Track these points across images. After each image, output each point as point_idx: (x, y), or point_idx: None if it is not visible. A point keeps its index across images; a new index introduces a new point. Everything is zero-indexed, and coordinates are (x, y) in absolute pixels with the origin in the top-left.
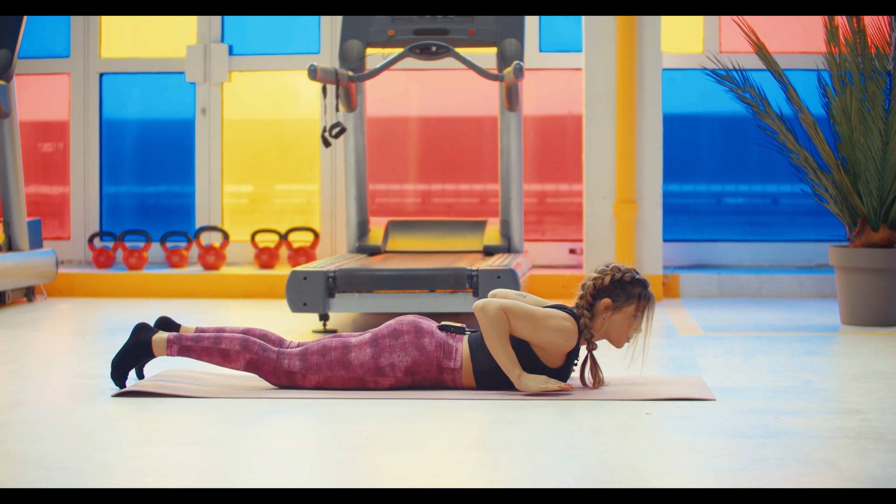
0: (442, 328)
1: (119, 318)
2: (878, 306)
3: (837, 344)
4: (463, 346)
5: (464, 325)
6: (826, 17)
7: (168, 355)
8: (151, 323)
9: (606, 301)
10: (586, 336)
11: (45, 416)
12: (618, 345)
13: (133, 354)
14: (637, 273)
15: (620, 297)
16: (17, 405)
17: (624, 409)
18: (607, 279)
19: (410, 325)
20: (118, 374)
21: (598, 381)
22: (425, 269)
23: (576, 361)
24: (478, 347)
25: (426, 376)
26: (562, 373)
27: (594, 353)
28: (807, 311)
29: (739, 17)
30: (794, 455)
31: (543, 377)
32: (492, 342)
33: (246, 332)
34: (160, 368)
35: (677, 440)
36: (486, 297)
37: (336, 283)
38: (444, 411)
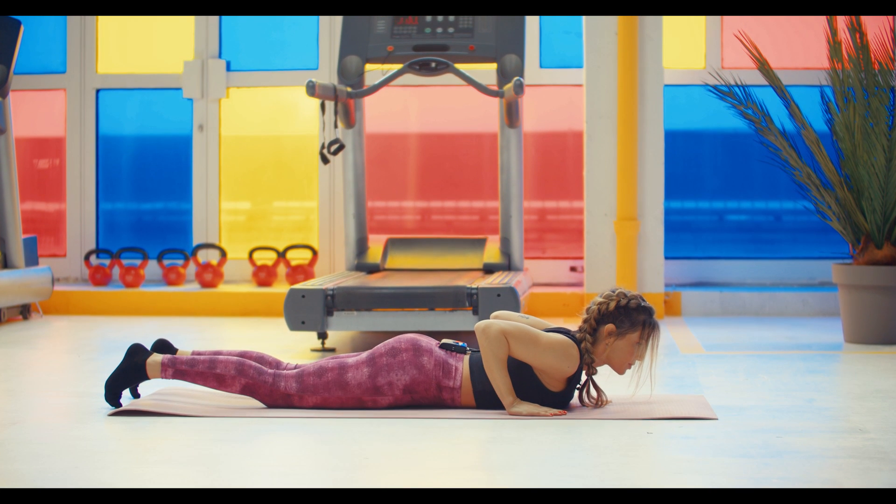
0: (443, 347)
1: (115, 337)
2: (882, 324)
3: (841, 362)
4: (463, 365)
5: (465, 345)
6: (829, 32)
7: (162, 378)
8: (147, 343)
9: (610, 327)
10: (587, 360)
11: (41, 435)
12: (619, 371)
13: (126, 377)
14: (643, 300)
15: (625, 323)
16: (13, 424)
17: (625, 428)
18: (612, 304)
19: (409, 344)
20: (111, 396)
21: (600, 402)
22: (425, 287)
23: (578, 386)
24: (478, 368)
25: (425, 395)
26: (563, 397)
27: (594, 378)
28: (810, 330)
29: (742, 32)
30: (796, 475)
31: (535, 405)
32: (490, 365)
33: (242, 355)
34: (157, 387)
35: (679, 460)
36: (487, 316)
37: (335, 301)
38: (444, 430)
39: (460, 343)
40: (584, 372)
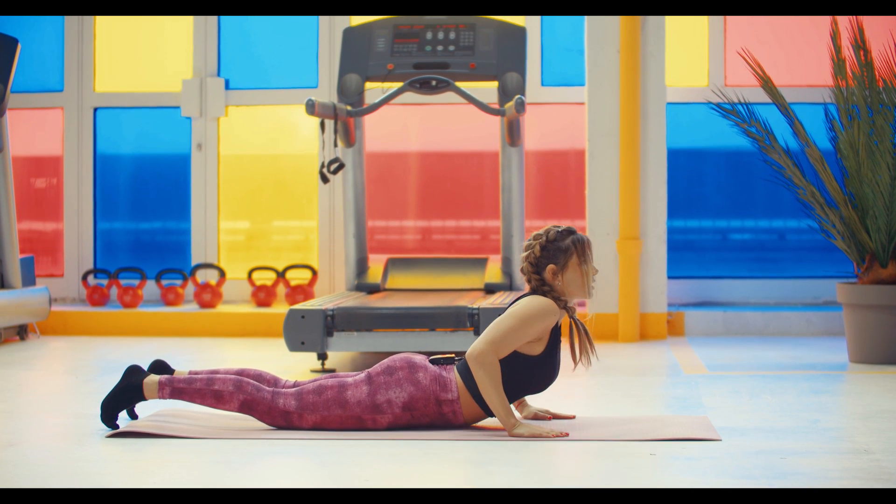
0: (433, 362)
1: (113, 357)
2: (887, 344)
3: (845, 382)
4: (454, 375)
5: (453, 356)
6: (832, 49)
7: (160, 398)
8: (144, 364)
9: (551, 267)
10: (561, 306)
11: (38, 457)
12: (587, 295)
13: (123, 397)
14: (558, 226)
15: (558, 256)
16: (10, 446)
17: (628, 449)
18: (537, 249)
19: (403, 362)
20: (108, 416)
21: (591, 350)
22: (425, 307)
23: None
24: (467, 372)
25: (425, 412)
26: (546, 359)
27: (579, 321)
28: (814, 349)
29: (745, 49)
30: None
31: (537, 427)
32: (487, 391)
33: (240, 372)
34: (155, 408)
35: (682, 482)
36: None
37: (335, 322)
38: (444, 452)
39: (447, 354)
40: (567, 316)
